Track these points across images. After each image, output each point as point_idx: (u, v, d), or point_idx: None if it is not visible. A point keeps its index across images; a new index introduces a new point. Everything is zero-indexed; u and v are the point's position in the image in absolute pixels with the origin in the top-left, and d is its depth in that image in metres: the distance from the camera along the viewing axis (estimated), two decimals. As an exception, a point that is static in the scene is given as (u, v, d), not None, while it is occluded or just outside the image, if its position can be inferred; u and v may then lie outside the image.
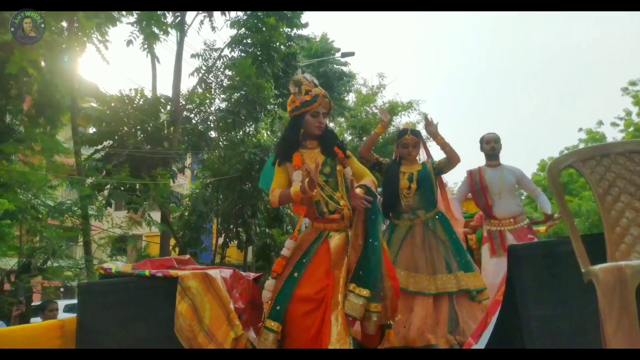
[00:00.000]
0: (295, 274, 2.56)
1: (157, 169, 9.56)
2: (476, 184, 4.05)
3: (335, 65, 21.80)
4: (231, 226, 12.32)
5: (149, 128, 10.70)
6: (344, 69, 22.57)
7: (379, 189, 4.22)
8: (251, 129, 12.58)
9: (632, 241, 1.75)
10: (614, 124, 29.27)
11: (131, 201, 9.70)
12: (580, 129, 32.39)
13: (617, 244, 1.74)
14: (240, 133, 12.31)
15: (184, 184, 13.51)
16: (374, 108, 24.53)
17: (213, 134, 12.81)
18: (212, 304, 2.47)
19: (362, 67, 68.23)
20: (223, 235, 12.60)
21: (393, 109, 24.31)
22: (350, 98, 24.83)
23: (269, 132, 13.29)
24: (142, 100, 10.59)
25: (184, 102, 11.80)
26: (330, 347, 2.32)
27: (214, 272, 2.58)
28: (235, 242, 12.84)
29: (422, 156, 3.75)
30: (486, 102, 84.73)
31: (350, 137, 24.64)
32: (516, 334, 2.10)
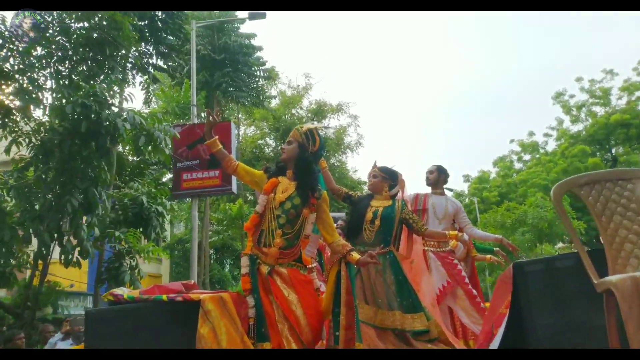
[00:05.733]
0: (255, 295, 2.98)
1: None
2: (419, 205, 4.72)
3: (240, 39, 18.81)
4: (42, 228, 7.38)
5: None
6: (252, 42, 19.16)
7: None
8: (100, 84, 8.19)
9: (626, 255, 2.24)
10: (547, 135, 31.80)
11: None
12: (512, 140, 34.91)
13: (615, 258, 2.24)
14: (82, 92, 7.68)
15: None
16: (299, 110, 24.99)
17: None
18: (228, 327, 2.73)
19: (287, 67, 68.37)
20: (37, 244, 7.66)
21: (321, 109, 24.85)
22: (274, 101, 24.16)
23: (130, 98, 9.52)
24: None
25: None
26: None
27: (226, 296, 2.85)
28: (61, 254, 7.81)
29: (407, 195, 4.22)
30: (417, 112, 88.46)
31: (273, 142, 24.89)
32: (522, 342, 2.55)
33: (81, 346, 2.82)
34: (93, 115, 7.27)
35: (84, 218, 7.85)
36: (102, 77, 8.44)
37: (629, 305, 1.71)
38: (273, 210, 3.11)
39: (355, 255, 3.04)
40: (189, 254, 18.37)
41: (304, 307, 3.02)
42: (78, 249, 7.75)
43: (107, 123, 7.33)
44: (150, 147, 8.13)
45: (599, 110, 28.18)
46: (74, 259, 7.82)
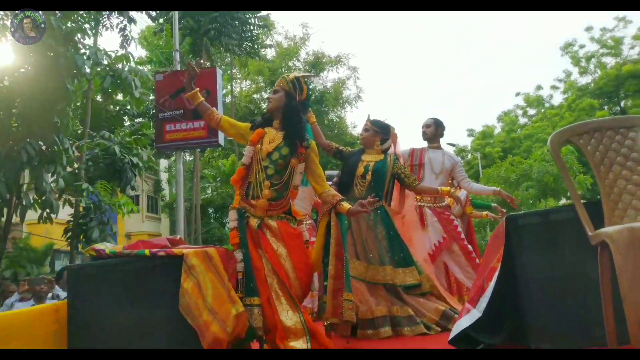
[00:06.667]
0: (243, 250, 2.99)
1: None
2: (415, 160, 4.70)
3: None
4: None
5: None
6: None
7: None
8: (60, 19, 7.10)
9: (624, 207, 2.19)
10: (553, 87, 31.45)
11: None
12: (518, 94, 34.53)
13: (612, 210, 2.19)
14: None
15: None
16: (296, 62, 24.61)
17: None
18: (214, 282, 2.72)
19: (283, 16, 66.78)
20: None
21: (319, 60, 24.46)
22: (270, 52, 23.82)
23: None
24: None
25: None
26: (282, 316, 2.84)
27: (212, 251, 2.83)
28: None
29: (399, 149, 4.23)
30: (420, 65, 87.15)
31: (268, 96, 24.33)
32: (514, 296, 2.53)
33: (53, 304, 2.82)
34: (49, 52, 6.50)
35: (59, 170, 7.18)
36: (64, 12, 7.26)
37: (624, 257, 1.67)
38: (260, 162, 3.07)
39: (346, 205, 3.03)
40: (189, 213, 18.41)
41: (293, 261, 3.02)
42: (39, 202, 7.25)
43: (64, 60, 6.65)
44: (118, 90, 7.63)
45: (610, 61, 27.77)
46: (44, 214, 7.38)
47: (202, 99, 3.17)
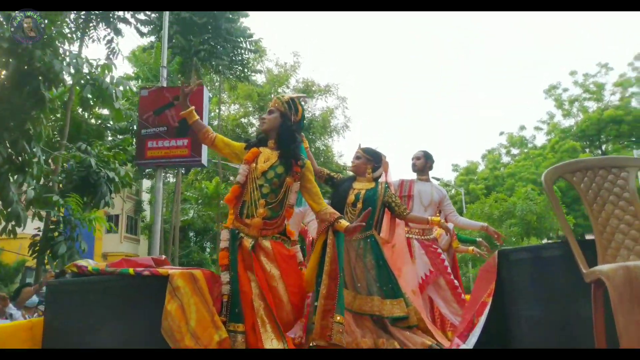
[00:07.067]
0: (232, 273, 2.91)
1: None
2: (404, 192, 4.70)
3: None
4: None
5: None
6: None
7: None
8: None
9: (617, 246, 2.21)
10: (537, 128, 32.07)
11: None
12: (502, 133, 35.15)
13: (605, 248, 2.20)
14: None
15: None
16: (286, 89, 24.78)
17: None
18: (198, 306, 2.66)
19: (274, 43, 67.49)
20: None
21: (308, 88, 24.66)
22: (260, 78, 23.87)
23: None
24: None
25: None
26: (267, 345, 2.72)
27: (198, 273, 2.78)
28: None
29: (391, 178, 4.26)
30: (406, 100, 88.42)
31: (257, 122, 24.53)
32: (505, 332, 2.52)
33: (28, 321, 2.73)
34: (22, 53, 6.14)
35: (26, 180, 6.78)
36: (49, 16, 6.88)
37: (620, 295, 1.67)
38: (255, 180, 3.05)
39: (344, 223, 2.99)
40: (168, 234, 18.13)
41: (286, 284, 2.96)
42: (4, 213, 6.80)
43: (41, 64, 6.33)
44: (99, 101, 7.35)
45: (592, 105, 28.46)
46: (8, 226, 6.89)
47: (197, 117, 3.16)
